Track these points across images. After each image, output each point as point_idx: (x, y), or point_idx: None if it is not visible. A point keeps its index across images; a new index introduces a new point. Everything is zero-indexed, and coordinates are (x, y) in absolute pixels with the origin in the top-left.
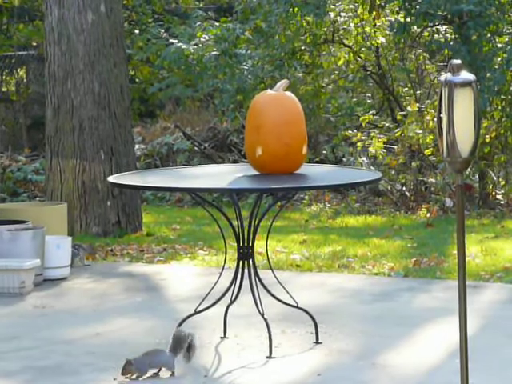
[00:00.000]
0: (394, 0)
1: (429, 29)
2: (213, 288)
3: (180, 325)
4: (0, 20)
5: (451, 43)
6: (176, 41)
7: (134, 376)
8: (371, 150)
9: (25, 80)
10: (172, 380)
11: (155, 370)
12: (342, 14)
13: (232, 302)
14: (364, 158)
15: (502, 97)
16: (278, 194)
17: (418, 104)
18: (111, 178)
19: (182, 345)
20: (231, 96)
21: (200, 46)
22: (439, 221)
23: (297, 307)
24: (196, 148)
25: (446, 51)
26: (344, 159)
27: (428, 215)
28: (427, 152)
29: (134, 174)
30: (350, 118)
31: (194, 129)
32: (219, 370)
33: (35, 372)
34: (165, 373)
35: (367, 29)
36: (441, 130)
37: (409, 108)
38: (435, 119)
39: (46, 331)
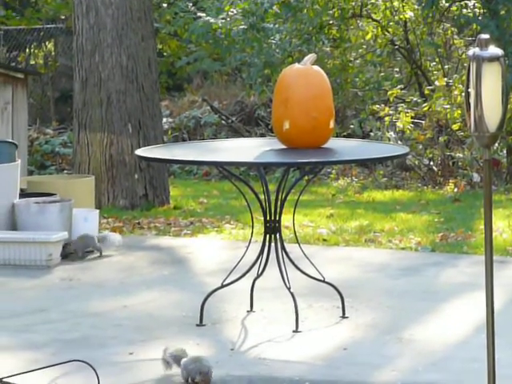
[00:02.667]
0: None
1: (457, 3)
2: (239, 262)
3: (206, 298)
4: None
5: (479, 18)
6: (204, 14)
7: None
8: (399, 124)
9: (53, 53)
10: (198, 353)
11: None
12: None
13: (259, 275)
14: (391, 133)
15: None
16: (305, 168)
17: (445, 79)
18: (139, 152)
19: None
20: (259, 70)
21: (228, 19)
22: (466, 196)
23: (323, 281)
24: (223, 122)
25: (475, 26)
26: (371, 134)
27: (455, 190)
28: (455, 127)
29: (161, 148)
30: (378, 92)
31: (221, 102)
32: (245, 343)
33: (62, 344)
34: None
35: (395, 3)
36: (468, 104)
37: (437, 83)
38: (463, 94)
39: (72, 304)
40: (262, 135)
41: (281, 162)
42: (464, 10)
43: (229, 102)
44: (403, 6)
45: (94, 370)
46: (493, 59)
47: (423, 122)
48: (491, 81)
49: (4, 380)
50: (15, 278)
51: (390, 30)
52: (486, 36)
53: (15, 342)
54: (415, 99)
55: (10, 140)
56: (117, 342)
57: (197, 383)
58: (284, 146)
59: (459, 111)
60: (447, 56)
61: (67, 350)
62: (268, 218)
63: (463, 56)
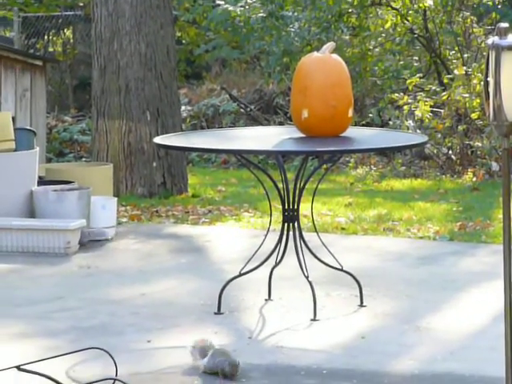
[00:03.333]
0: None
1: None
2: (258, 250)
3: (225, 287)
4: None
5: (499, 6)
6: (223, 2)
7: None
8: (417, 113)
9: (71, 40)
10: (216, 343)
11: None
12: None
13: (277, 264)
14: (410, 121)
15: None
16: (324, 156)
17: (464, 67)
18: (157, 139)
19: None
20: (277, 58)
21: (247, 7)
22: (485, 185)
23: (341, 270)
24: (242, 110)
25: (494, 14)
26: (390, 122)
27: (474, 179)
28: (474, 116)
29: (179, 136)
30: (397, 80)
31: (240, 91)
32: (263, 331)
33: (80, 332)
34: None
35: None
36: (487, 93)
37: (456, 71)
38: (482, 83)
39: (91, 291)
40: (281, 123)
41: (299, 151)
42: None
43: (247, 90)
44: None
45: (112, 357)
46: None
47: (442, 110)
48: (510, 70)
49: (22, 367)
50: (33, 265)
51: (409, 18)
52: (505, 25)
53: (34, 329)
54: (434, 88)
55: (29, 127)
56: (135, 329)
57: (225, 374)
58: (302, 135)
59: (478, 100)
60: (466, 45)
61: (85, 338)
62: (286, 206)
63: (482, 45)
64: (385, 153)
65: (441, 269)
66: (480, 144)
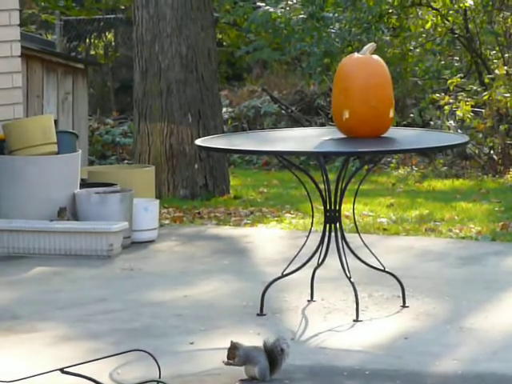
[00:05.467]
0: None
1: None
2: (300, 251)
3: (267, 288)
4: None
5: None
6: (263, 4)
7: (236, 361)
8: (459, 113)
9: (113, 43)
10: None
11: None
12: None
13: (319, 265)
14: (451, 122)
15: None
16: (365, 157)
17: (506, 67)
18: (199, 141)
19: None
20: (318, 59)
21: (287, 9)
22: None
23: (384, 271)
24: (283, 111)
25: None
26: (431, 122)
27: None
28: None
29: (221, 137)
30: (438, 81)
31: (281, 92)
32: (306, 333)
33: (123, 334)
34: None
35: None
36: None
37: (497, 71)
38: None
39: (133, 293)
40: (322, 124)
41: (341, 152)
42: None
43: (288, 91)
44: None
45: (155, 359)
46: None
47: (483, 110)
48: None
49: (66, 370)
50: (76, 267)
51: (449, 18)
52: None
53: (76, 331)
54: (475, 88)
55: (71, 130)
56: (177, 331)
57: (283, 350)
58: (344, 136)
59: None
60: (507, 44)
61: (128, 340)
62: (328, 207)
63: None
64: (426, 153)
65: (483, 269)
66: None
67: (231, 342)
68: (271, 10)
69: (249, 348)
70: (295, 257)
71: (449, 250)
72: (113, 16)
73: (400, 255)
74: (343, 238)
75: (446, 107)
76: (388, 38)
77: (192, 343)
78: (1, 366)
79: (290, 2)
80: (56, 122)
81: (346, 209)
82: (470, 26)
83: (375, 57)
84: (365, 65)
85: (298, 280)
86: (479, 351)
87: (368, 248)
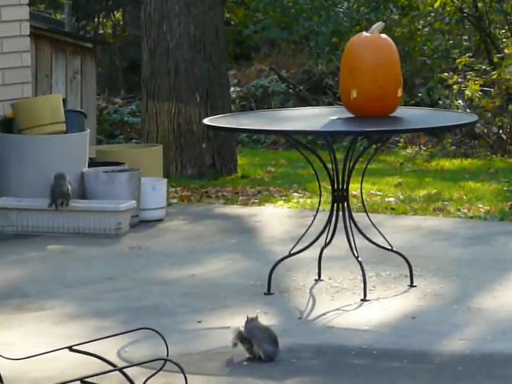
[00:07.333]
0: None
1: None
2: (307, 230)
3: (274, 267)
4: None
5: None
6: None
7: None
8: (467, 92)
9: (121, 22)
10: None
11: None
12: None
13: (326, 244)
14: (460, 101)
15: None
16: (373, 136)
17: None
18: (206, 121)
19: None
20: (327, 38)
21: None
22: None
23: (391, 250)
24: (291, 90)
25: None
26: (440, 102)
27: None
28: None
29: (228, 117)
30: (446, 60)
31: (289, 71)
32: (313, 312)
33: (131, 312)
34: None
35: None
36: None
37: (506, 50)
38: None
39: (141, 272)
40: (330, 104)
41: (348, 131)
42: None
43: (296, 70)
44: None
45: (163, 337)
46: None
47: (492, 89)
48: None
49: (74, 348)
50: (84, 246)
51: None
52: None
53: (84, 310)
54: (484, 67)
55: (79, 109)
56: (185, 310)
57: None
58: (351, 115)
59: None
60: None
61: (136, 318)
62: (336, 186)
63: None
64: (434, 132)
65: (491, 249)
66: None
67: (247, 316)
68: None
69: (255, 327)
70: (303, 236)
71: (457, 230)
72: None
73: (408, 235)
74: (351, 217)
75: (455, 86)
76: (396, 16)
77: (200, 322)
78: (9, 343)
79: None
80: (64, 101)
81: (354, 188)
82: (478, 4)
83: (383, 36)
84: (373, 44)
85: (306, 259)
86: (487, 331)
87: (376, 227)
